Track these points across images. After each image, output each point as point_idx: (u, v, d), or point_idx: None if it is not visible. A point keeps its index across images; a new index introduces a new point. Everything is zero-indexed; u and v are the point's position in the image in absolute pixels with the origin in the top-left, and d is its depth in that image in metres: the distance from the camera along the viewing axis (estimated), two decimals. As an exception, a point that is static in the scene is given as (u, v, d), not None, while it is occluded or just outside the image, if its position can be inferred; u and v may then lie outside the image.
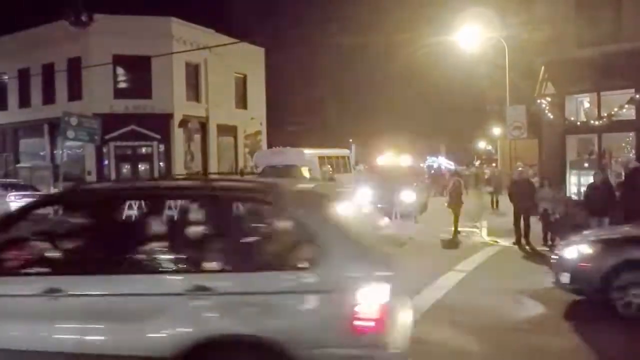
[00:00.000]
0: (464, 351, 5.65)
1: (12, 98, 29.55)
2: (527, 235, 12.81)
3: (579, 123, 15.06)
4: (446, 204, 15.58)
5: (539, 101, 15.95)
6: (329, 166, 15.42)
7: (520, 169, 14.79)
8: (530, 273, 9.86)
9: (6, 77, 29.58)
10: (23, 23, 28.76)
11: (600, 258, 6.73)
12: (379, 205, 18.11)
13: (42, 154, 28.57)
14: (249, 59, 31.51)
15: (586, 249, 6.97)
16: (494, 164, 54.11)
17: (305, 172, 20.58)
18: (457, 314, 6.90)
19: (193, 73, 27.86)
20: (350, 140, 54.25)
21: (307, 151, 23.39)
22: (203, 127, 27.91)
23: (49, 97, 27.67)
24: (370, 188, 19.28)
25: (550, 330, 6.35)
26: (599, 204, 11.48)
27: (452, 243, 13.99)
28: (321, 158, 23.54)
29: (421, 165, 32.49)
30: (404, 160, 25.02)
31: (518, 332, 6.26)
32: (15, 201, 19.46)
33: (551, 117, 15.34)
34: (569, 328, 6.44)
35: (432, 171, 40.34)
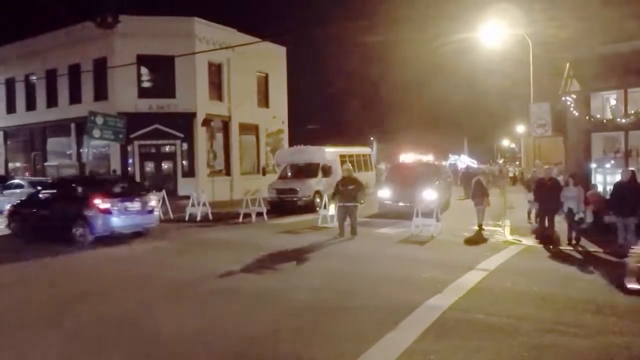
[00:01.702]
0: (487, 351, 5.61)
1: (40, 98, 30.22)
2: (551, 235, 12.64)
3: (605, 120, 14.79)
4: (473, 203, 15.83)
5: (564, 98, 15.70)
6: (349, 164, 15.58)
7: (545, 167, 14.58)
8: (553, 273, 9.74)
9: (34, 78, 30.25)
10: (50, 25, 29.40)
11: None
12: (400, 204, 18.23)
13: (68, 152, 29.16)
14: (270, 58, 31.66)
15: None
16: (517, 162, 53.48)
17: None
18: (477, 314, 6.86)
19: (216, 72, 28.09)
20: (372, 138, 54.18)
21: (329, 149, 23.48)
22: (225, 125, 28.14)
23: (75, 97, 28.21)
24: (392, 186, 19.31)
25: (573, 331, 6.26)
26: (626, 203, 11.29)
27: (476, 239, 14.12)
28: (342, 156, 23.61)
29: (443, 163, 32.05)
30: (426, 158, 24.90)
31: (541, 333, 6.20)
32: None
33: (576, 114, 15.10)
34: (598, 328, 6.34)
35: (463, 169, 38.73)
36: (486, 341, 5.86)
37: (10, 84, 31.52)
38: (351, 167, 15.43)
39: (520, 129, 50.06)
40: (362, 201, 21.97)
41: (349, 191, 14.37)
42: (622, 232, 11.43)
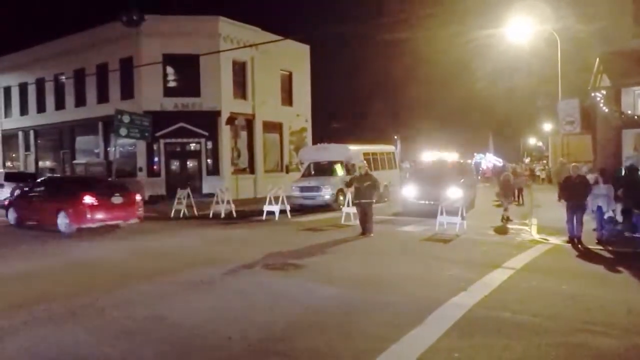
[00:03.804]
0: (513, 350, 5.49)
1: (69, 97, 30.83)
2: (579, 233, 12.36)
3: (636, 117, 14.42)
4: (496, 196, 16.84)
5: (593, 94, 15.36)
6: (364, 162, 15.49)
7: (573, 164, 14.28)
8: (581, 273, 9.52)
9: (63, 78, 30.87)
10: (78, 25, 29.97)
11: None
12: (424, 202, 18.08)
13: (96, 151, 29.69)
14: (294, 57, 31.72)
15: None
16: (544, 161, 52.52)
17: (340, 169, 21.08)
18: (504, 312, 6.73)
19: (240, 71, 28.25)
20: (396, 137, 53.84)
21: (352, 147, 23.41)
22: (249, 124, 28.26)
23: (102, 96, 28.69)
24: (416, 184, 19.15)
25: (604, 332, 6.09)
26: None
27: (501, 229, 15.15)
28: (366, 154, 23.50)
29: (468, 161, 31.61)
30: (451, 156, 24.65)
31: (570, 332, 6.05)
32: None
33: (606, 110, 14.75)
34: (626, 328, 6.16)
35: (496, 167, 36.94)
36: (513, 339, 5.73)
37: (40, 84, 32.24)
38: (366, 164, 15.28)
39: (548, 127, 49.15)
40: (385, 199, 21.85)
41: (364, 188, 14.18)
42: None
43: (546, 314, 6.66)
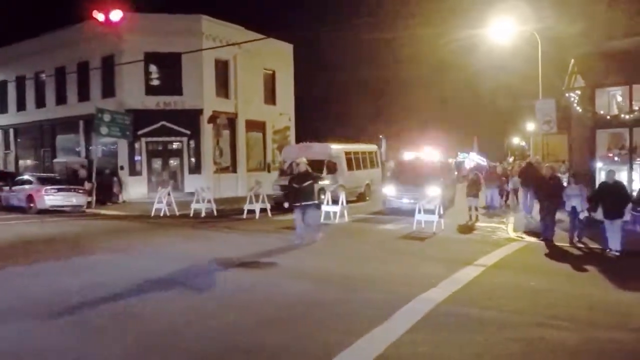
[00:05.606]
0: (475, 343, 5.62)
1: (50, 95, 30.51)
2: (552, 232, 12.58)
3: (609, 117, 14.70)
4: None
5: (567, 94, 15.63)
6: (304, 158, 14.05)
7: (546, 165, 14.52)
8: (550, 270, 9.73)
9: (44, 75, 30.55)
10: (59, 22, 29.69)
11: None
12: (404, 200, 18.25)
13: (77, 149, 29.43)
14: (277, 55, 31.71)
15: None
16: (527, 160, 52.92)
17: None
18: (471, 308, 6.87)
19: (222, 69, 28.18)
20: (381, 136, 54.00)
21: (334, 146, 23.50)
22: (232, 122, 28.16)
23: (83, 95, 28.42)
24: (397, 183, 19.32)
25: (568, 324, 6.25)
26: (611, 205, 11.09)
27: (466, 227, 15.37)
28: (348, 153, 23.63)
29: (450, 160, 31.80)
30: (432, 155, 24.84)
31: (532, 327, 6.19)
32: (50, 194, 20.22)
33: (580, 110, 15.02)
34: (589, 322, 6.34)
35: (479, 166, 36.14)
36: (477, 334, 5.87)
37: (20, 82, 31.85)
38: (305, 160, 13.24)
39: (530, 126, 49.68)
40: (367, 198, 21.86)
41: (304, 188, 12.46)
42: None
43: (512, 309, 6.82)
